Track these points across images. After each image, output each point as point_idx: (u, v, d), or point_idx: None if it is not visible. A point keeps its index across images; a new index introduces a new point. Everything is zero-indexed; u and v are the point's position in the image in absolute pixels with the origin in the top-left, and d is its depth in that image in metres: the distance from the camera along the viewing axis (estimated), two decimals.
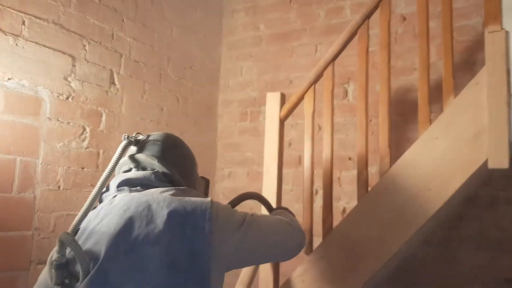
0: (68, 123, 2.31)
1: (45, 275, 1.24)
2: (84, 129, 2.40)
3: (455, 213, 2.67)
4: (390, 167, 2.07)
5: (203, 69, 3.36)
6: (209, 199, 1.22)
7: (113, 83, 2.57)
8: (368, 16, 2.20)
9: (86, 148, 2.40)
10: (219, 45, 3.57)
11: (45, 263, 2.19)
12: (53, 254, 1.20)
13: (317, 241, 2.24)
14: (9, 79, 2.04)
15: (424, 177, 1.96)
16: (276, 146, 2.32)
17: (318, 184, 2.98)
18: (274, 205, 2.17)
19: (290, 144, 3.31)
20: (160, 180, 1.31)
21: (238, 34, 3.62)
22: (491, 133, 1.81)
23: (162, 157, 1.35)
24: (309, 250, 2.21)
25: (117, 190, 1.29)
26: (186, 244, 1.12)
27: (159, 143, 1.39)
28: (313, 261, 2.17)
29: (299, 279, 2.19)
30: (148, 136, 1.41)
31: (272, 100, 2.37)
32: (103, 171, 2.44)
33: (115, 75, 2.59)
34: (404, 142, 2.94)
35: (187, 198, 1.21)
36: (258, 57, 3.51)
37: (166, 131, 1.49)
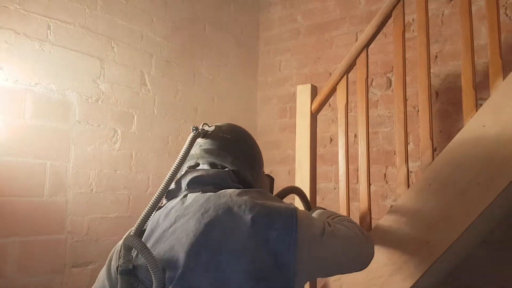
0: (99, 125, 2.31)
1: (103, 277, 1.17)
2: (116, 131, 2.39)
3: None
4: (432, 160, 1.87)
5: (240, 66, 3.28)
6: (293, 205, 1.11)
7: (144, 84, 2.55)
8: None
9: (118, 151, 2.40)
10: (256, 40, 3.48)
11: (79, 266, 2.22)
12: (114, 256, 1.15)
13: None
14: (36, 83, 2.06)
15: (472, 170, 1.75)
16: (308, 141, 2.19)
17: None
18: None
19: (331, 140, 3.15)
20: (232, 180, 1.20)
21: (275, 27, 3.51)
22: None
23: (234, 155, 1.23)
24: None
25: (188, 189, 1.18)
26: (271, 253, 1.02)
27: (229, 137, 1.26)
28: None
29: (337, 283, 2.04)
30: (216, 127, 1.28)
31: (303, 93, 2.23)
32: (137, 173, 2.46)
33: (146, 76, 2.56)
34: (456, 133, 2.69)
35: (269, 202, 1.10)
36: (297, 50, 3.37)
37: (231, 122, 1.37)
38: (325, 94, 2.17)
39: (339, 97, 2.15)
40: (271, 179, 1.44)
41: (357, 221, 2.12)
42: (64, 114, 2.16)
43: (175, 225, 1.07)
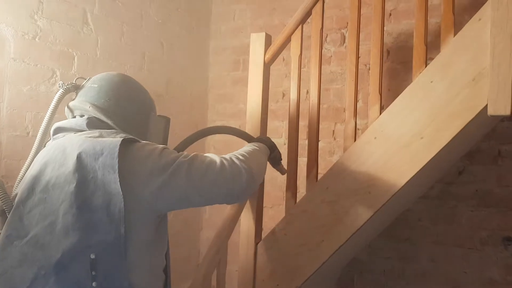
0: (36, 65, 2.14)
1: None
2: (54, 72, 2.23)
3: (454, 167, 2.49)
4: (380, 115, 1.89)
5: (192, 12, 3.12)
6: (120, 138, 1.18)
7: (86, 23, 2.37)
8: None
9: (56, 93, 2.24)
10: None
11: None
12: None
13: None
14: None
15: (417, 124, 1.78)
16: (260, 92, 2.15)
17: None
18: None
19: (284, 95, 3.13)
20: (95, 126, 1.27)
21: None
22: (493, 75, 1.61)
23: (97, 102, 1.30)
24: (293, 203, 2.08)
25: (53, 139, 1.30)
26: (100, 184, 1.12)
27: (96, 86, 1.33)
28: (296, 214, 2.04)
29: (282, 232, 2.07)
30: (88, 79, 1.38)
31: (257, 42, 2.17)
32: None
33: (88, 14, 2.38)
34: None
35: (101, 138, 1.19)
36: None
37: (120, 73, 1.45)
38: (279, 44, 2.12)
39: (293, 48, 2.11)
40: (165, 120, 1.49)
41: (304, 173, 2.14)
42: None
43: (30, 171, 1.24)
